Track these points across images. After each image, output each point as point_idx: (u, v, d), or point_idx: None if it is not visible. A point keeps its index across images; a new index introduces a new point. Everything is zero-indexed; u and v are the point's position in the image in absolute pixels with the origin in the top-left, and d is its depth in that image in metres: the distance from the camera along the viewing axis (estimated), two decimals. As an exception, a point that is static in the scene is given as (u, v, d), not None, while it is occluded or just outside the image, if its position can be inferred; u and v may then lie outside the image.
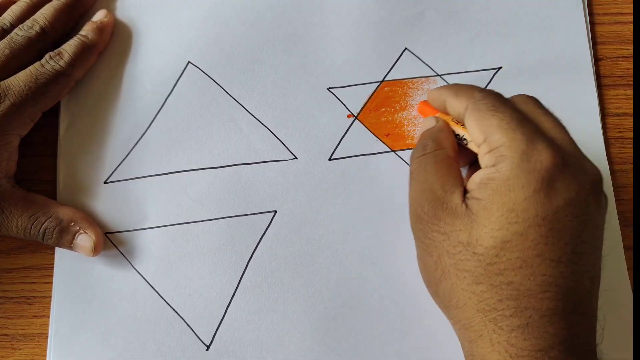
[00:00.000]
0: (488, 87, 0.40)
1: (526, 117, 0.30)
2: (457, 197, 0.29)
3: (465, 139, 0.32)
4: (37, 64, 0.37)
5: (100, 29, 0.40)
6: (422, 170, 0.31)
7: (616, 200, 0.38)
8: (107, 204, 0.38)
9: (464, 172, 0.34)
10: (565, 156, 0.28)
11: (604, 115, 0.40)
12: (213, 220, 0.38)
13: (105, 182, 0.39)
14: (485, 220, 0.28)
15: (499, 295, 0.28)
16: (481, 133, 0.30)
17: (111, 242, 0.38)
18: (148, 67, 0.40)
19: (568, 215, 0.27)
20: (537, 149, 0.28)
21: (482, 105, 0.30)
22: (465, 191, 0.30)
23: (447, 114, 0.34)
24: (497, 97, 0.31)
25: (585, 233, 0.28)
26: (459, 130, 0.33)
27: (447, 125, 0.33)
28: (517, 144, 0.28)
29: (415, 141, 0.39)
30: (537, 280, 0.27)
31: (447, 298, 0.30)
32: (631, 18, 0.42)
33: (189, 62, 0.41)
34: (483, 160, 0.30)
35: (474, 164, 0.34)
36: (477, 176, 0.29)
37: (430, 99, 0.35)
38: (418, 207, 0.31)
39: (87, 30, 0.39)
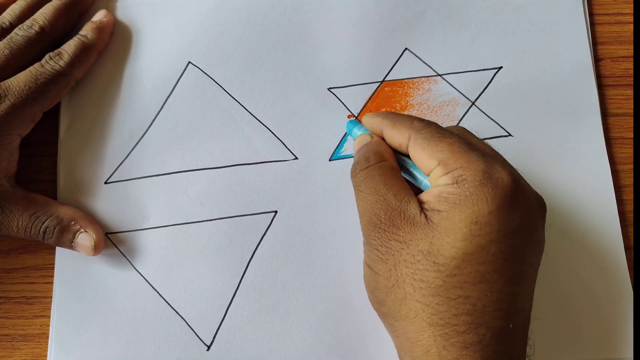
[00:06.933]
0: (488, 87, 0.40)
1: (470, 141, 0.31)
2: (413, 207, 0.29)
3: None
4: (37, 64, 0.37)
5: (100, 28, 0.40)
6: (369, 182, 0.31)
7: (616, 200, 0.38)
8: (107, 204, 0.38)
9: None
10: (518, 176, 0.29)
11: (604, 115, 0.40)
12: (213, 221, 0.38)
13: (105, 182, 0.39)
14: (448, 230, 0.27)
15: (455, 309, 0.27)
16: (432, 159, 0.30)
17: (112, 242, 0.38)
18: (148, 67, 0.40)
19: (522, 234, 0.28)
20: (496, 168, 0.28)
21: (427, 133, 0.31)
22: (419, 202, 0.29)
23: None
24: (437, 125, 0.32)
25: (532, 254, 0.29)
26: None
27: (382, 140, 0.34)
28: (476, 164, 0.28)
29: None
30: (493, 297, 0.27)
31: (396, 308, 0.29)
32: (631, 18, 0.42)
33: (189, 62, 0.40)
34: (439, 181, 0.29)
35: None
36: (434, 190, 0.29)
37: (368, 125, 0.35)
38: (373, 217, 0.30)
39: (86, 30, 0.39)
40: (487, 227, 0.27)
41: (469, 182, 0.28)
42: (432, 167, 0.30)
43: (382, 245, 0.29)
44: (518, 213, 0.28)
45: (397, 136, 0.32)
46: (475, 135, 0.32)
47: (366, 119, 0.35)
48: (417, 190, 0.31)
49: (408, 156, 0.32)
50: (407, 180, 0.33)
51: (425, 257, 0.28)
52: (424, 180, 0.32)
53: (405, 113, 0.40)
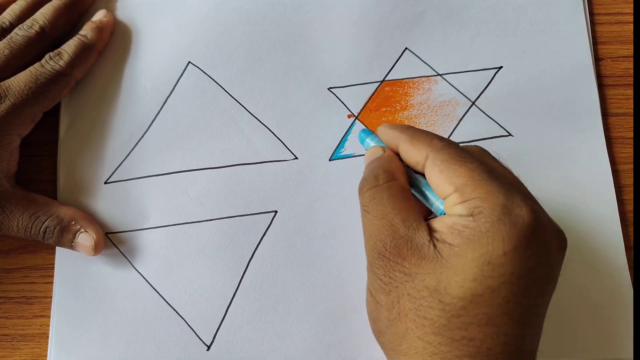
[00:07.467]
0: (488, 87, 0.40)
1: (492, 167, 0.29)
2: (422, 236, 0.27)
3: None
4: (37, 64, 0.37)
5: (100, 28, 0.40)
6: (377, 204, 0.29)
7: (617, 200, 0.38)
8: (107, 204, 0.38)
9: None
10: (540, 212, 0.27)
11: (604, 115, 0.40)
12: (214, 220, 0.38)
13: (105, 182, 0.39)
14: (458, 268, 0.26)
15: (459, 351, 0.26)
16: (449, 184, 0.28)
17: (112, 242, 0.38)
18: (148, 67, 0.40)
19: (537, 276, 0.26)
20: (517, 203, 0.26)
21: (446, 155, 0.28)
22: (429, 229, 0.28)
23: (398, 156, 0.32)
24: (458, 146, 0.29)
25: (545, 294, 0.27)
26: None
27: (395, 155, 0.32)
28: (495, 196, 0.26)
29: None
30: (500, 340, 0.26)
31: (397, 342, 0.28)
32: (631, 18, 0.42)
33: (189, 62, 0.40)
34: (454, 209, 0.27)
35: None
36: (448, 219, 0.27)
37: (383, 137, 0.33)
38: (379, 243, 0.28)
39: (86, 30, 0.39)
40: (500, 269, 0.25)
41: (485, 217, 0.26)
42: (448, 193, 0.28)
43: (386, 275, 0.28)
44: (535, 254, 0.26)
45: (414, 153, 0.30)
46: (495, 159, 0.30)
47: (382, 130, 0.32)
48: (427, 211, 0.30)
49: (422, 174, 0.30)
50: (417, 199, 0.31)
51: (430, 294, 0.26)
52: (436, 203, 0.30)
53: (412, 117, 0.40)
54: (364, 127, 0.37)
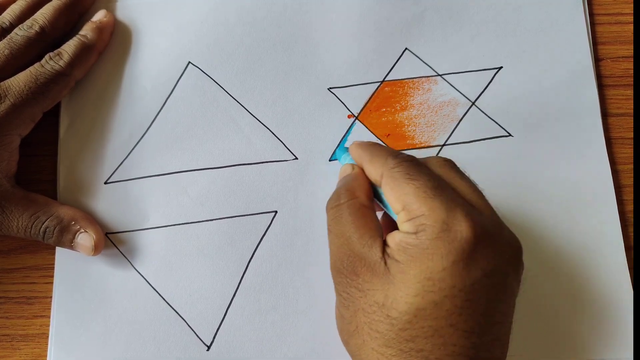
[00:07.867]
0: (488, 87, 0.40)
1: (443, 182, 0.29)
2: (375, 253, 0.29)
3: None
4: (37, 64, 0.37)
5: (100, 28, 0.40)
6: (337, 223, 0.30)
7: (617, 200, 0.38)
8: (107, 204, 0.38)
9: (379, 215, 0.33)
10: (485, 225, 0.28)
11: (604, 115, 0.40)
12: (213, 221, 0.38)
13: (105, 183, 0.39)
14: (402, 284, 0.27)
15: None
16: (398, 202, 0.29)
17: (112, 242, 0.38)
18: (148, 67, 0.40)
19: (485, 286, 0.27)
20: (457, 218, 0.27)
21: (397, 173, 0.29)
22: (385, 243, 0.29)
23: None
24: (410, 163, 0.30)
25: (500, 303, 0.28)
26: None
27: (362, 173, 0.32)
28: (437, 213, 0.27)
29: (416, 141, 0.39)
30: (448, 350, 0.27)
31: (357, 351, 0.29)
32: (631, 18, 0.42)
33: (189, 62, 0.40)
34: (402, 226, 0.29)
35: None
36: (397, 236, 0.29)
37: (352, 155, 0.34)
38: (337, 261, 0.30)
39: (86, 30, 0.39)
40: (440, 284, 0.27)
41: (426, 234, 0.27)
42: (398, 210, 0.29)
43: (344, 291, 0.30)
44: (478, 267, 0.27)
45: (373, 172, 0.31)
46: (457, 170, 0.31)
47: (351, 149, 0.34)
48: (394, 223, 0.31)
49: None
50: (385, 214, 0.32)
51: (380, 309, 0.28)
52: (396, 218, 0.31)
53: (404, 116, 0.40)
54: (342, 145, 0.38)
